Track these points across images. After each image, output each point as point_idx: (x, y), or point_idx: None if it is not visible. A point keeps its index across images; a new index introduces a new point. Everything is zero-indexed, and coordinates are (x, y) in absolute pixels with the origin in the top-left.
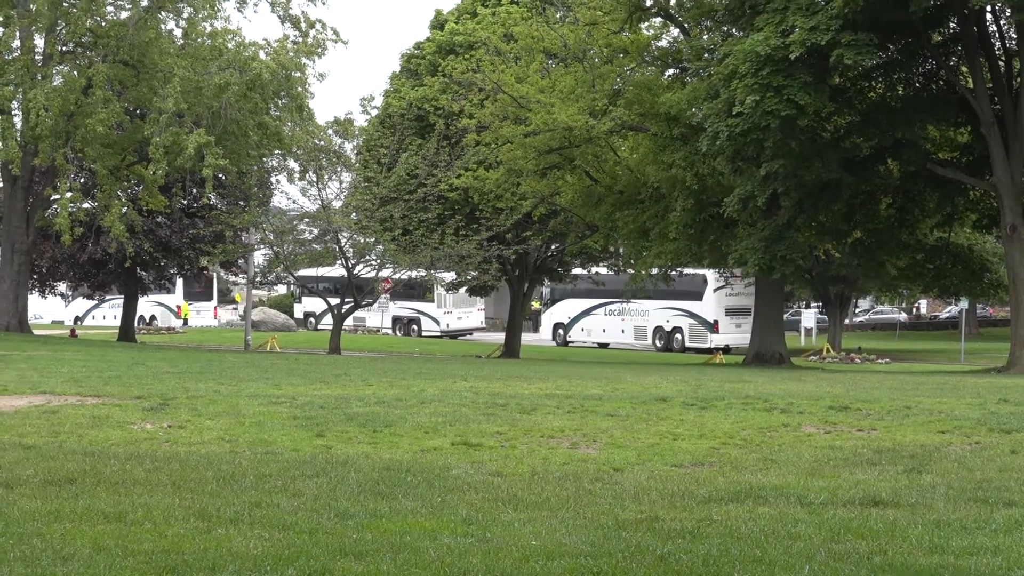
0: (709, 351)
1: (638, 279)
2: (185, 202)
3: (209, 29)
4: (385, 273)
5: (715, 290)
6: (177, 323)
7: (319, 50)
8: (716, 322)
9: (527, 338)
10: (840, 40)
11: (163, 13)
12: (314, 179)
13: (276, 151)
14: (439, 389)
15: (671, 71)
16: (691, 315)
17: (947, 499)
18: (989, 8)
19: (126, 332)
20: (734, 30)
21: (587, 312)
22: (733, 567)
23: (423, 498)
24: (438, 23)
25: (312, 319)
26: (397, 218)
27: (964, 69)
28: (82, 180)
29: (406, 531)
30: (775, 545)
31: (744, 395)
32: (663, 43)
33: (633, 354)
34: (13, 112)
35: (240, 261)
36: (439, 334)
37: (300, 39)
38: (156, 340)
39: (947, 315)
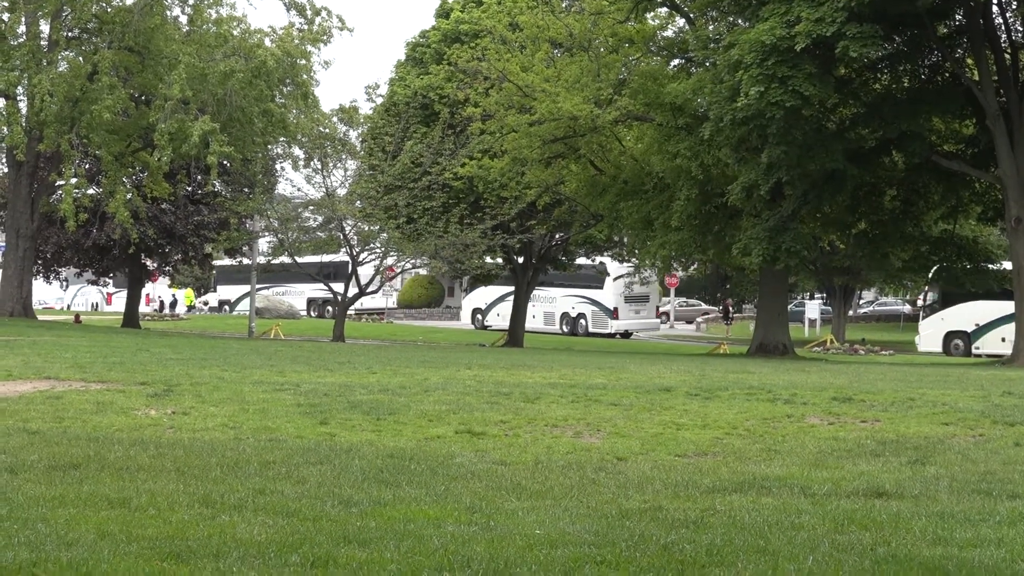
0: (610, 335)
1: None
2: (190, 189)
3: (215, 16)
4: (389, 261)
5: (615, 279)
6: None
7: (324, 38)
8: (616, 309)
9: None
10: (846, 32)
11: (168, 0)
12: (319, 167)
13: (281, 138)
14: (443, 377)
15: (676, 61)
16: (593, 302)
17: (951, 491)
18: (995, 1)
19: (130, 318)
20: (740, 20)
21: (502, 298)
22: (737, 557)
23: (427, 486)
24: (444, 11)
25: (227, 306)
26: (401, 206)
27: (970, 61)
28: (87, 166)
29: (410, 519)
30: (779, 535)
31: (748, 386)
32: (668, 33)
33: (637, 344)
34: (18, 98)
35: (244, 248)
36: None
37: (306, 26)
38: (161, 327)
39: None
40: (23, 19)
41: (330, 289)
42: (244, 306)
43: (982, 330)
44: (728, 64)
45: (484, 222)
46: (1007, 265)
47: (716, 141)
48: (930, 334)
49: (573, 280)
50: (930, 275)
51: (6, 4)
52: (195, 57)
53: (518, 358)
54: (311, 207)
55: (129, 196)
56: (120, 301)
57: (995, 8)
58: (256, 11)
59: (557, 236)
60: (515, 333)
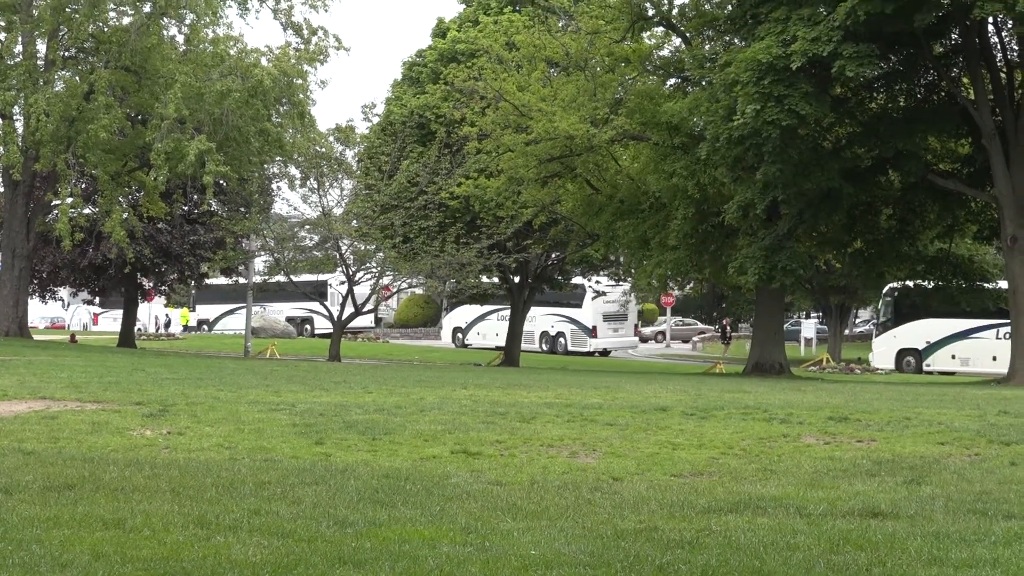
0: (589, 354)
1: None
2: (186, 208)
3: (211, 36)
4: (385, 281)
5: (593, 298)
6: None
7: (321, 57)
8: (595, 327)
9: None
10: (842, 52)
11: (165, 19)
12: (315, 186)
13: (277, 158)
14: (438, 397)
15: (673, 80)
16: (573, 321)
17: (946, 511)
18: (991, 20)
19: (126, 338)
20: (736, 39)
21: (482, 317)
22: None
23: (422, 506)
24: (440, 31)
25: (205, 325)
26: (398, 225)
27: (965, 80)
28: (83, 185)
29: (405, 539)
30: (774, 556)
31: (744, 405)
32: (665, 52)
33: (633, 363)
34: (15, 117)
35: (241, 267)
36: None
37: (302, 46)
38: (156, 346)
39: None
40: (20, 38)
41: (326, 312)
42: (222, 325)
43: (933, 347)
44: (724, 83)
45: (480, 241)
46: (1003, 284)
47: (712, 160)
48: (883, 351)
49: (553, 299)
50: (883, 293)
51: (2, 24)
52: (191, 76)
53: (514, 378)
54: (307, 226)
55: (125, 216)
56: (107, 322)
57: (991, 27)
58: (253, 31)
59: (553, 255)
60: (511, 353)
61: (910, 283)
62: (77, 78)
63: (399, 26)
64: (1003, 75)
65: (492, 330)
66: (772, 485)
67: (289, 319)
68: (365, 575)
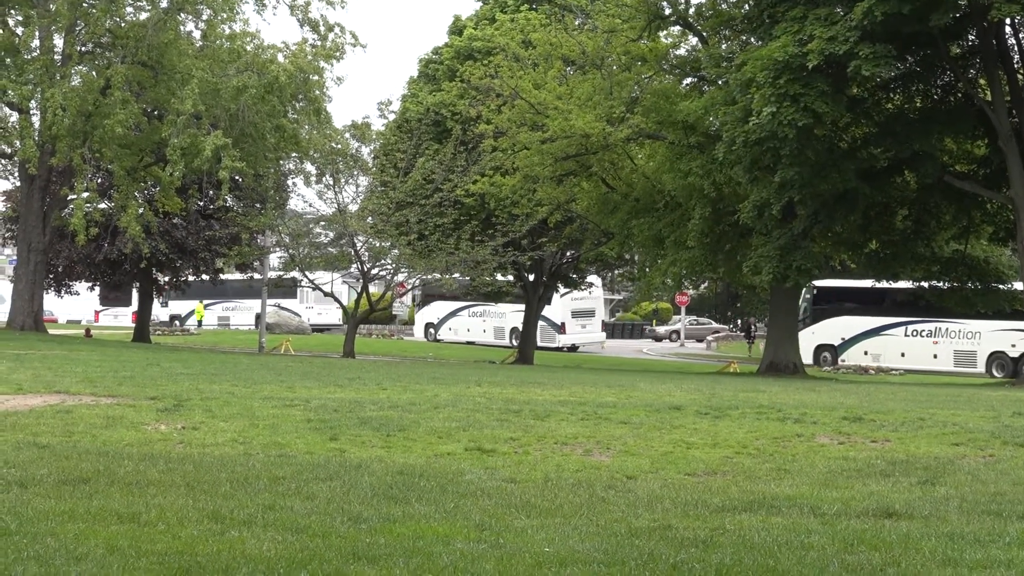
0: (558, 349)
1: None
2: (201, 204)
3: (228, 31)
4: (400, 278)
5: (562, 295)
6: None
7: (337, 54)
8: (563, 324)
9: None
10: (858, 51)
11: (182, 15)
12: (331, 182)
13: (293, 154)
14: (453, 394)
15: (689, 80)
16: (542, 317)
17: (961, 512)
18: (1008, 21)
19: (141, 333)
20: (752, 39)
21: (454, 313)
22: None
23: (436, 503)
24: (457, 29)
25: (177, 321)
26: (413, 223)
27: (982, 82)
28: (99, 180)
29: (419, 536)
30: (788, 555)
31: (758, 405)
32: (681, 51)
33: (647, 362)
34: (31, 111)
35: (256, 263)
36: None
37: (319, 42)
38: (171, 341)
39: None
40: (37, 33)
41: (338, 302)
42: (192, 321)
43: (847, 344)
44: (740, 83)
45: (495, 239)
46: (1018, 286)
47: (728, 160)
48: (803, 347)
49: (521, 297)
50: (803, 291)
51: (20, 18)
52: (208, 72)
53: (528, 375)
54: (322, 223)
55: (141, 211)
56: (107, 319)
57: (1008, 29)
58: (269, 27)
59: (568, 253)
60: (525, 351)
61: (828, 282)
62: (94, 73)
63: (416, 23)
64: (1020, 76)
65: (464, 326)
66: (786, 484)
67: (260, 315)
68: (379, 571)
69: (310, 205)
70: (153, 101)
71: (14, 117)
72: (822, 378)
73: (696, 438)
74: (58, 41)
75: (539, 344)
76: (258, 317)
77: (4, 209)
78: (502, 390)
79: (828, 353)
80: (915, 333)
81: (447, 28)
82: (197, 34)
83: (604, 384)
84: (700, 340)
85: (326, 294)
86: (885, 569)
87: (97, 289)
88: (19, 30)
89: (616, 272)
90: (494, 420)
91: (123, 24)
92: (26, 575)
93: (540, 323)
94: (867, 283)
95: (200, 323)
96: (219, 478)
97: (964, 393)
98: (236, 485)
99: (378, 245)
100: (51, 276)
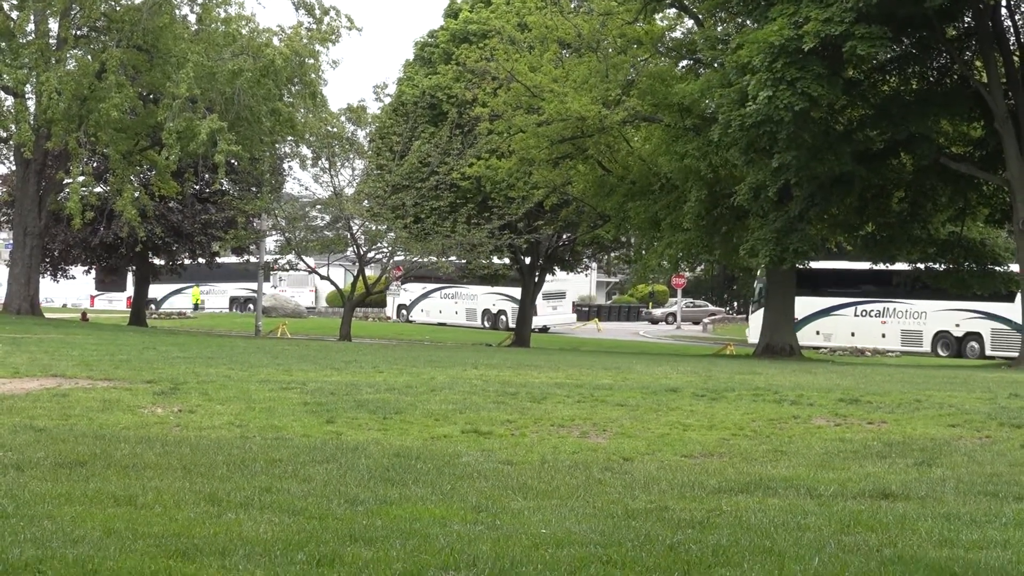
0: (531, 330)
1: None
2: (197, 187)
3: (223, 15)
4: (397, 260)
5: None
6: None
7: (333, 37)
8: (535, 306)
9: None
10: (854, 32)
11: None
12: (326, 166)
13: (289, 137)
14: (449, 377)
15: (685, 62)
16: (513, 300)
17: (957, 493)
18: (1004, 3)
19: (137, 316)
20: (748, 21)
21: (426, 295)
22: (743, 558)
23: (433, 485)
24: (452, 11)
25: (153, 304)
26: (409, 206)
27: (978, 64)
28: (95, 164)
29: (416, 518)
30: (785, 536)
31: (754, 387)
32: (677, 34)
33: (644, 344)
34: (27, 95)
35: (252, 247)
36: None
37: (314, 26)
38: (168, 325)
39: None
40: (32, 17)
41: (337, 289)
42: (169, 304)
43: (800, 323)
44: (736, 66)
45: (491, 222)
46: (1014, 267)
47: (724, 142)
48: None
49: (495, 279)
50: (758, 272)
51: (15, 2)
52: (203, 56)
53: (524, 358)
54: (318, 206)
55: (137, 194)
56: (102, 303)
57: (1004, 10)
58: (265, 10)
59: (564, 236)
60: (521, 334)
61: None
62: (89, 57)
63: (411, 6)
64: (1016, 58)
65: (436, 307)
66: (783, 466)
67: (233, 299)
68: (376, 553)
69: (306, 188)
70: (148, 85)
71: (9, 101)
72: (819, 360)
73: (693, 420)
74: (53, 25)
75: (510, 326)
76: (232, 300)
77: (0, 193)
78: (499, 372)
79: None
80: (864, 313)
81: (443, 11)
82: (192, 18)
83: (600, 366)
84: (696, 322)
85: (322, 277)
86: (882, 550)
87: (93, 273)
88: (14, 14)
89: (612, 255)
90: (491, 402)
91: (118, 8)
92: (23, 558)
93: (511, 305)
94: (817, 264)
95: (196, 306)
96: (216, 461)
97: (960, 375)
98: (233, 468)
99: (374, 228)
100: (47, 260)
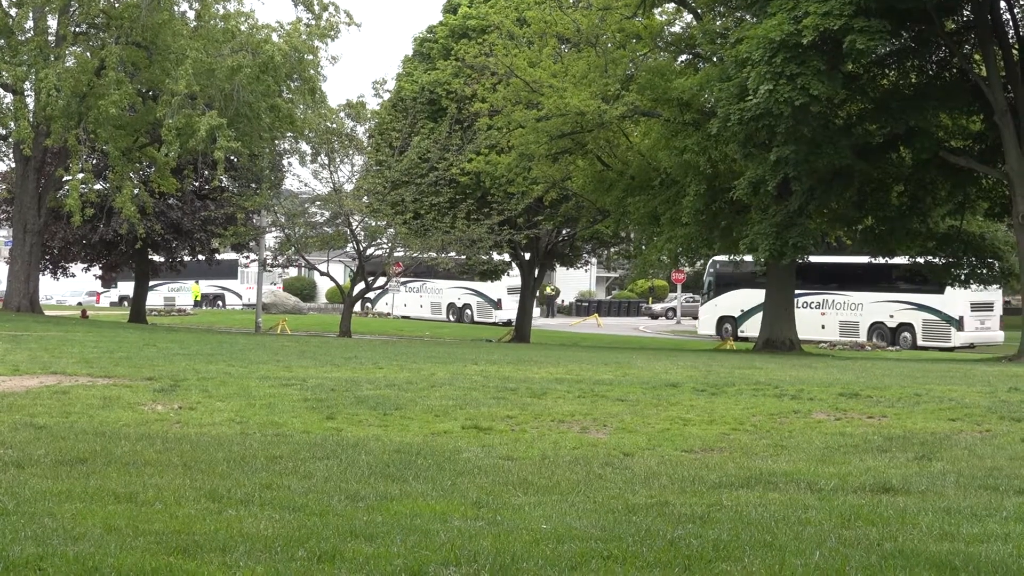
0: (494, 324)
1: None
2: (197, 184)
3: (222, 11)
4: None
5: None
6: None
7: (332, 33)
8: (500, 300)
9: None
10: (853, 26)
11: None
12: (326, 162)
13: (288, 134)
14: (449, 373)
15: (684, 57)
16: (478, 294)
17: (957, 486)
18: None
19: (137, 313)
20: (747, 16)
21: (385, 290)
22: (743, 552)
23: (433, 481)
24: (451, 7)
25: (126, 301)
26: (409, 202)
27: (977, 57)
28: (94, 161)
29: (416, 514)
30: (785, 531)
31: (754, 381)
32: (676, 29)
33: (644, 339)
34: (26, 92)
35: (251, 243)
36: None
37: (313, 22)
38: (167, 322)
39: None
40: (31, 14)
41: (337, 284)
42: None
43: (746, 315)
44: (735, 61)
45: (491, 217)
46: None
47: (723, 137)
48: (707, 318)
49: (460, 273)
50: (707, 266)
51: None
52: (202, 52)
53: (524, 354)
54: (318, 202)
55: (136, 191)
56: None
57: (1003, 4)
58: (264, 6)
59: (564, 231)
60: (522, 329)
61: (726, 257)
62: (88, 54)
63: (410, 2)
64: (1015, 52)
65: (400, 301)
66: (783, 461)
67: (204, 295)
68: (376, 549)
69: (305, 185)
70: (148, 82)
71: (8, 98)
72: (818, 355)
73: (693, 415)
74: (52, 22)
75: (475, 319)
76: (203, 296)
77: None
78: (499, 368)
79: (729, 324)
80: (805, 305)
81: (441, 6)
82: (191, 14)
83: (600, 362)
84: (696, 317)
85: (322, 273)
86: (882, 544)
87: (96, 271)
88: (13, 11)
89: (612, 250)
90: (491, 398)
91: (117, 4)
92: (24, 555)
93: (477, 299)
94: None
95: (196, 303)
96: (216, 458)
97: (960, 369)
98: (233, 464)
99: (374, 224)
100: (47, 258)
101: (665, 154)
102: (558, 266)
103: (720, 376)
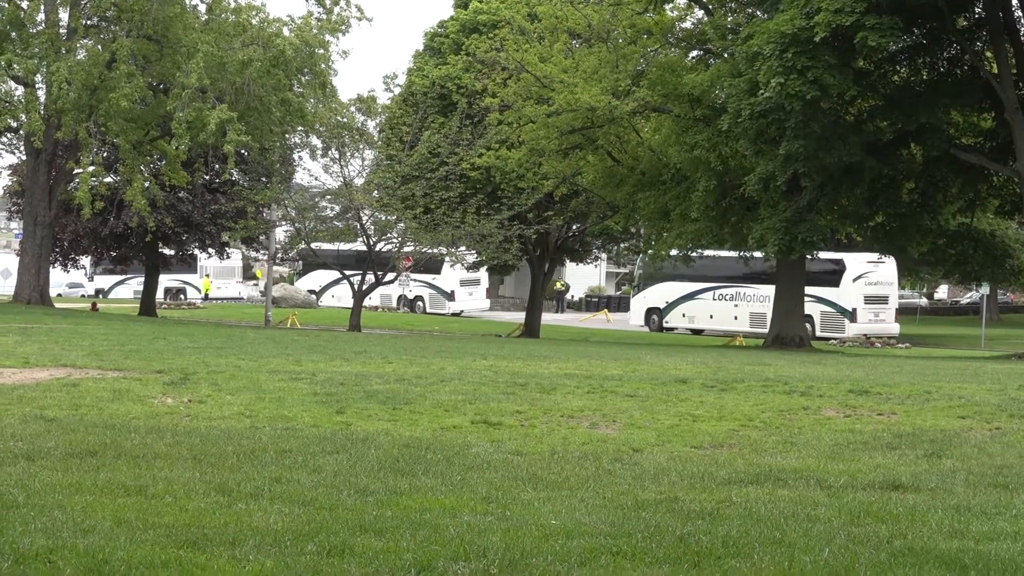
0: (445, 316)
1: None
2: (207, 177)
3: (233, 5)
4: (407, 250)
5: (452, 265)
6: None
7: (343, 27)
8: (452, 292)
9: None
10: (865, 22)
11: None
12: (336, 156)
13: (299, 128)
14: (459, 367)
15: (695, 53)
16: (431, 286)
17: (967, 484)
18: None
19: (147, 307)
20: (758, 12)
21: (339, 280)
22: (753, 549)
23: (443, 476)
24: (462, 2)
25: (101, 293)
26: (419, 196)
27: (989, 54)
28: (104, 154)
29: (426, 508)
30: (795, 527)
31: (764, 378)
32: (687, 24)
33: (653, 335)
34: (37, 85)
35: (261, 237)
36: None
37: (324, 16)
38: (177, 315)
39: (968, 300)
40: (42, 7)
41: (346, 278)
42: (116, 293)
43: (670, 307)
44: (746, 56)
45: (501, 212)
46: None
47: (734, 133)
48: (637, 310)
49: (413, 267)
50: (637, 259)
51: None
52: (213, 46)
53: (534, 349)
54: (328, 196)
55: (146, 184)
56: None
57: (1014, 1)
58: (275, 0)
59: (574, 227)
60: (531, 324)
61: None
62: (99, 47)
63: None
64: None
65: (348, 293)
66: (793, 457)
67: (166, 289)
68: (386, 543)
69: (316, 179)
70: (158, 75)
71: (20, 91)
72: (828, 351)
73: (702, 411)
74: (63, 15)
75: (428, 311)
76: (167, 291)
77: (10, 183)
78: (508, 363)
79: (655, 316)
80: (720, 297)
81: (452, 1)
82: (202, 8)
83: (610, 357)
84: None
85: (330, 265)
86: (892, 541)
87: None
88: (24, 4)
89: (622, 245)
90: (500, 393)
91: None
92: (34, 547)
93: (430, 291)
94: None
95: (207, 296)
96: (226, 451)
97: (970, 366)
98: (243, 458)
99: (384, 219)
100: (57, 250)
101: (675, 150)
102: (568, 261)
103: (730, 372)
